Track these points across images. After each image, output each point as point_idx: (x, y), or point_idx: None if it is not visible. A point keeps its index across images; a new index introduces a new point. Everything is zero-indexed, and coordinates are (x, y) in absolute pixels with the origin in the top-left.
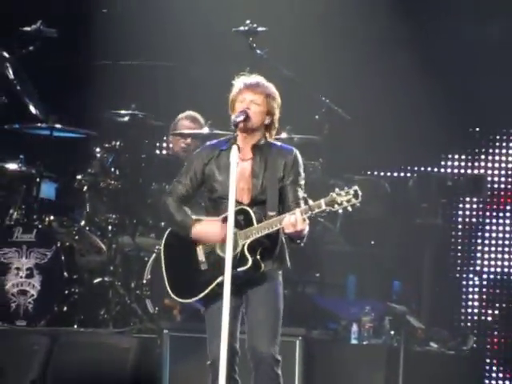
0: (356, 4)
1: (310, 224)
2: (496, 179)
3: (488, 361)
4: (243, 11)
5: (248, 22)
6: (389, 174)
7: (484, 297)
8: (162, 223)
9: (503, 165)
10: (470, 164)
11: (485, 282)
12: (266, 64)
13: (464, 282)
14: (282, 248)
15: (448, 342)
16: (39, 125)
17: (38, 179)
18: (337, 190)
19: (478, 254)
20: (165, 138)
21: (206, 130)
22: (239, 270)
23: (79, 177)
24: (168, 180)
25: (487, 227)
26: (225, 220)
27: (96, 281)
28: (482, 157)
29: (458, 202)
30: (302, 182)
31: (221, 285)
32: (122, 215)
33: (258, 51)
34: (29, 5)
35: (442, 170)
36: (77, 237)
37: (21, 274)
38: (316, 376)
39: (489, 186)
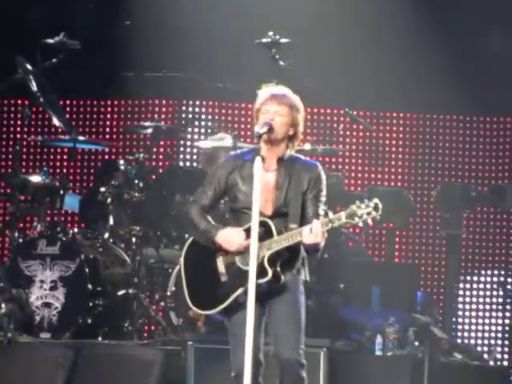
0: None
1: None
2: None
3: None
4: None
5: (271, 33)
6: (412, 184)
7: (508, 307)
8: (186, 235)
9: None
10: (493, 174)
11: (509, 293)
12: (289, 75)
13: (488, 293)
14: (303, 260)
15: (472, 353)
16: (63, 137)
17: (61, 191)
18: (357, 202)
19: (503, 265)
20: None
21: (229, 142)
22: (259, 281)
23: (103, 189)
24: (192, 192)
25: (511, 238)
26: (247, 231)
27: (120, 293)
28: (506, 167)
29: (481, 213)
30: (324, 199)
31: (240, 297)
32: (145, 227)
33: (281, 62)
34: (52, 17)
35: (466, 181)
36: (101, 249)
37: (45, 286)
38: None
39: None
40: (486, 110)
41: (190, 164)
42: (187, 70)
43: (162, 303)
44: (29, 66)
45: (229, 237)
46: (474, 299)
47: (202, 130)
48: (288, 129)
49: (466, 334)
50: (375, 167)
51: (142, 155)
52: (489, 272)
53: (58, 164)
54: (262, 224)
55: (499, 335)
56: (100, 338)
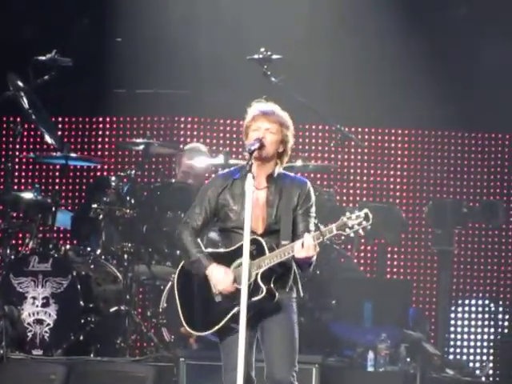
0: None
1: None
2: None
3: None
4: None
5: (262, 49)
6: (404, 200)
7: (500, 323)
8: (178, 251)
9: None
10: (485, 191)
11: (500, 309)
12: (280, 91)
13: (480, 309)
14: (295, 276)
15: (464, 369)
16: (54, 154)
17: (53, 208)
18: (347, 213)
19: (494, 281)
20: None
21: (221, 159)
22: (254, 299)
23: (95, 205)
24: (183, 208)
25: (503, 254)
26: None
27: (112, 309)
28: (498, 183)
29: (473, 229)
30: (314, 214)
31: (235, 316)
32: (137, 244)
33: (273, 79)
34: (44, 34)
35: (458, 197)
36: (93, 266)
37: (37, 303)
38: None
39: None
40: (478, 126)
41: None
42: (178, 86)
43: (154, 320)
44: (20, 83)
45: (217, 277)
46: (466, 315)
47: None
48: (278, 146)
49: (458, 350)
50: (367, 183)
51: (133, 172)
52: (481, 288)
53: (50, 181)
54: (254, 242)
55: (491, 351)
56: (92, 355)
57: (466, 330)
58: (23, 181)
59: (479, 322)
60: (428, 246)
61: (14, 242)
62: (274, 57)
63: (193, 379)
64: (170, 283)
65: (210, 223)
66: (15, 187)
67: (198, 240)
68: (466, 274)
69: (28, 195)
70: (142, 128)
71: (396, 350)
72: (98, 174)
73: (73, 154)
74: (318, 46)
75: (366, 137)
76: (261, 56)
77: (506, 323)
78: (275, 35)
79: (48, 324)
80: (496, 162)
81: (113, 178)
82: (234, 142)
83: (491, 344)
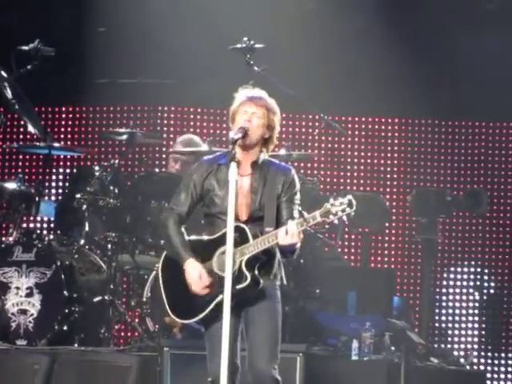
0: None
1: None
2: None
3: (489, 376)
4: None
5: (245, 39)
6: (388, 189)
7: (484, 311)
8: (162, 241)
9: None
10: (469, 179)
11: (485, 297)
12: (264, 80)
13: (464, 297)
14: (279, 263)
15: (448, 358)
16: (38, 144)
17: (37, 198)
18: (331, 200)
19: (478, 270)
20: (163, 155)
21: (205, 148)
22: (238, 287)
23: (78, 195)
24: (167, 198)
25: (487, 242)
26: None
27: (96, 299)
28: (482, 171)
29: (457, 218)
30: (298, 202)
31: (220, 304)
32: (121, 233)
33: (256, 68)
34: (27, 24)
35: (441, 185)
36: (76, 255)
37: (21, 293)
38: None
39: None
40: (461, 114)
41: (166, 170)
42: (161, 76)
43: (138, 309)
44: (3, 73)
45: (191, 278)
46: (450, 304)
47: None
48: (264, 131)
49: (442, 339)
50: (350, 172)
51: (117, 161)
52: (465, 276)
53: (33, 171)
54: (237, 229)
55: (475, 340)
56: (76, 345)
57: (450, 318)
58: (6, 171)
59: (463, 311)
60: (412, 235)
61: None
62: (257, 46)
63: (177, 369)
64: (153, 273)
65: (195, 209)
66: None
67: (182, 228)
68: (450, 262)
69: (11, 185)
70: (125, 118)
71: (380, 339)
72: (82, 163)
73: (56, 144)
74: (301, 35)
75: (350, 125)
76: (244, 45)
77: (491, 311)
78: (258, 24)
79: (32, 314)
80: (480, 151)
81: (96, 168)
82: (218, 131)
83: (476, 332)
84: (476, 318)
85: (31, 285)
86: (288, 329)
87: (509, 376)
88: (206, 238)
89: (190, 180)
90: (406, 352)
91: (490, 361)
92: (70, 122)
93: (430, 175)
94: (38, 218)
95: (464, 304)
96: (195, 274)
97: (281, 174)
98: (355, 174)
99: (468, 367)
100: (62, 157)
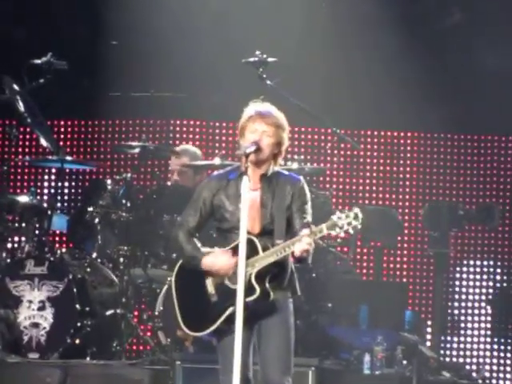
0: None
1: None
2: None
3: None
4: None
5: (258, 52)
6: (400, 203)
7: (496, 325)
8: (174, 255)
9: None
10: (481, 193)
11: (497, 311)
12: (276, 94)
13: (476, 311)
14: (292, 276)
15: (460, 371)
16: (50, 157)
17: (49, 212)
18: (338, 213)
19: (490, 283)
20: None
21: (217, 161)
22: (248, 299)
23: (90, 209)
24: (179, 211)
25: (499, 256)
26: (234, 252)
27: (108, 313)
28: (494, 185)
29: (469, 231)
30: (309, 211)
31: (231, 317)
32: (133, 247)
33: (269, 81)
34: (39, 37)
35: (454, 199)
36: (89, 269)
37: (33, 306)
38: None
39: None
40: (474, 128)
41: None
42: (174, 89)
43: (150, 323)
44: (16, 87)
45: (214, 261)
46: (462, 317)
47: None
48: (274, 148)
49: (454, 353)
50: (363, 186)
51: (129, 175)
52: (477, 291)
53: (45, 184)
54: (247, 242)
55: (487, 353)
56: (88, 358)
57: (462, 332)
58: (19, 184)
59: (475, 325)
60: (424, 249)
61: (9, 245)
62: (270, 60)
63: (189, 382)
64: (166, 286)
65: (206, 224)
66: (11, 191)
67: (194, 239)
68: (462, 276)
69: (24, 199)
70: (137, 131)
71: (392, 353)
72: (94, 177)
73: (68, 158)
74: (314, 49)
75: (362, 139)
76: (256, 59)
77: (503, 325)
78: (271, 38)
79: (44, 327)
80: (492, 165)
81: (108, 181)
82: (230, 145)
83: (488, 346)
84: (488, 332)
85: (43, 298)
86: (300, 342)
87: None
88: (219, 250)
89: (200, 196)
90: (417, 366)
91: (502, 375)
92: (82, 136)
93: (442, 189)
94: (51, 232)
95: (476, 318)
96: (215, 258)
97: (289, 185)
98: (368, 187)
99: (480, 381)
100: (74, 170)
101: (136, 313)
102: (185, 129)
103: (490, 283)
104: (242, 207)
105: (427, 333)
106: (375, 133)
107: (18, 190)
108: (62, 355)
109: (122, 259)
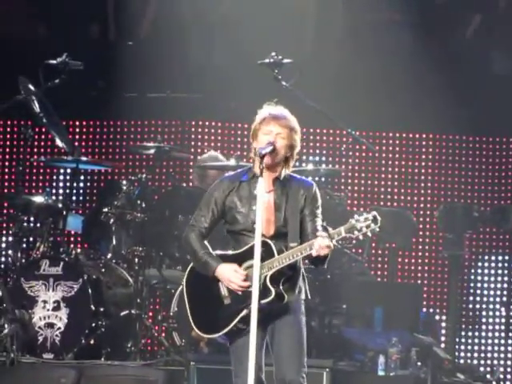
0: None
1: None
2: None
3: None
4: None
5: (273, 54)
6: (415, 204)
7: (511, 327)
8: (188, 256)
9: None
10: (496, 195)
11: (511, 313)
12: (291, 96)
13: (491, 313)
14: (303, 278)
15: (475, 373)
16: (65, 158)
17: (64, 212)
18: (356, 216)
19: (505, 285)
20: (191, 170)
21: (232, 162)
22: (262, 302)
23: (105, 209)
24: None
25: None
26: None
27: (123, 313)
28: (509, 187)
29: (484, 233)
30: (320, 216)
31: (244, 319)
32: (148, 248)
33: (284, 83)
34: (55, 38)
35: (469, 201)
36: (103, 269)
37: (48, 306)
38: None
39: None
40: (489, 130)
41: (193, 184)
42: (189, 90)
43: (165, 324)
44: (31, 87)
45: (228, 276)
46: (477, 319)
47: (205, 151)
48: (287, 151)
49: (468, 355)
50: (378, 187)
51: (144, 176)
52: (491, 292)
53: (60, 185)
54: (263, 244)
55: (502, 355)
56: (103, 359)
57: (476, 334)
58: (34, 185)
59: (490, 327)
60: (439, 250)
61: (24, 245)
62: (285, 61)
63: (203, 383)
64: (180, 287)
65: (216, 226)
66: (26, 191)
67: (205, 242)
68: (477, 278)
69: (39, 199)
70: (153, 132)
71: (407, 355)
72: (109, 177)
73: (84, 158)
74: (330, 50)
75: (377, 141)
76: (272, 60)
77: None
78: (286, 39)
79: (59, 328)
80: (507, 167)
81: (124, 182)
82: (245, 146)
83: (502, 348)
84: (503, 334)
85: (58, 298)
86: (314, 344)
87: None
88: (231, 252)
89: (211, 197)
90: (432, 367)
91: None
92: (97, 136)
93: (457, 191)
94: (66, 232)
95: (491, 320)
96: (230, 272)
97: (303, 189)
98: (382, 189)
99: (494, 383)
100: (89, 171)
101: (150, 313)
102: (200, 130)
103: (505, 285)
104: (257, 209)
105: (442, 334)
106: (390, 134)
107: (33, 191)
108: (76, 356)
109: (136, 260)
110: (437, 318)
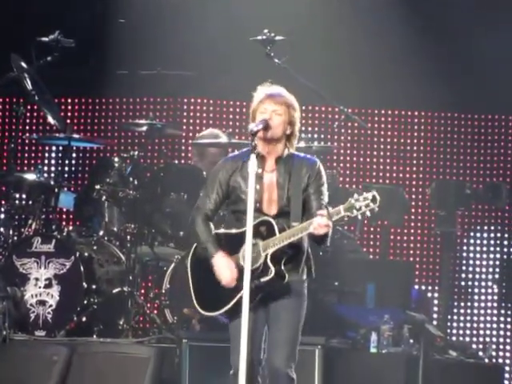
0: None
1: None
2: None
3: (508, 369)
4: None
5: (266, 31)
6: (407, 182)
7: (503, 304)
8: (181, 232)
9: None
10: (488, 172)
11: (504, 291)
12: (284, 73)
13: (483, 290)
14: (308, 258)
15: (467, 350)
16: (57, 135)
17: (56, 189)
18: (355, 195)
19: (497, 262)
20: (183, 147)
21: (224, 139)
22: (262, 280)
23: (98, 187)
24: (186, 189)
25: (506, 235)
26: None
27: (115, 291)
28: (501, 165)
29: (476, 211)
30: (326, 192)
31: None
32: (140, 225)
33: (276, 60)
34: (47, 15)
35: (461, 178)
36: (95, 247)
37: (40, 284)
38: None
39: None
40: (482, 108)
41: (185, 162)
42: (181, 67)
43: (157, 301)
44: (23, 64)
45: (220, 270)
46: (469, 296)
47: (197, 128)
48: (285, 127)
49: (460, 332)
50: (370, 165)
51: (136, 153)
52: (483, 270)
53: (52, 162)
54: (265, 223)
55: (494, 332)
56: (95, 336)
57: (468, 311)
58: (26, 162)
59: (482, 304)
60: (431, 228)
61: (16, 223)
62: (277, 38)
63: (195, 360)
64: (172, 264)
65: (222, 206)
66: (18, 168)
67: (211, 225)
68: (469, 255)
69: (31, 176)
70: (144, 109)
71: (399, 332)
72: (101, 155)
73: (75, 135)
74: (322, 28)
75: (370, 118)
76: (264, 37)
77: (510, 304)
78: (278, 16)
79: (51, 305)
80: (500, 144)
81: (116, 159)
82: (237, 123)
83: (494, 326)
84: (495, 311)
85: (50, 276)
86: (307, 321)
87: None
88: (234, 231)
89: (216, 178)
90: (424, 345)
91: (508, 354)
92: (89, 114)
93: (449, 168)
94: (58, 210)
95: (483, 297)
96: (224, 267)
97: (306, 167)
98: (374, 166)
99: (487, 360)
100: (81, 148)
101: (143, 291)
102: (192, 107)
103: (497, 262)
104: (249, 186)
105: (434, 312)
106: (382, 112)
107: (25, 168)
108: (68, 333)
109: (128, 237)
110: (429, 295)
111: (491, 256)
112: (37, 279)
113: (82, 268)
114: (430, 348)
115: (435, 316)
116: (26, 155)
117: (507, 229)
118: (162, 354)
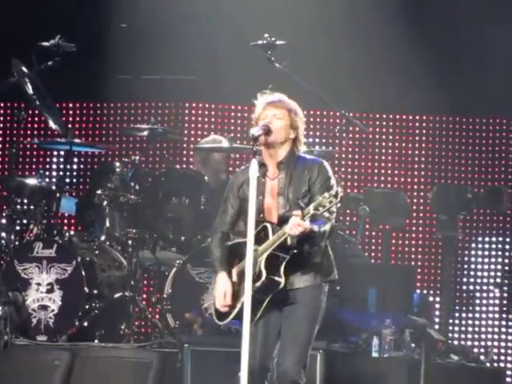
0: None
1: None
2: None
3: (509, 373)
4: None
5: (266, 35)
6: (409, 186)
7: (505, 309)
8: (182, 237)
9: None
10: (490, 176)
11: (505, 295)
12: (285, 77)
13: (484, 295)
14: (323, 260)
15: (469, 354)
16: (59, 140)
17: (57, 194)
18: (325, 194)
19: (499, 267)
20: (184, 152)
21: (225, 144)
22: (256, 285)
23: (99, 191)
24: (188, 194)
25: (507, 239)
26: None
27: (117, 295)
28: (502, 168)
29: (478, 215)
30: (334, 183)
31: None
32: (142, 230)
33: (277, 64)
34: (48, 20)
35: (462, 183)
36: (97, 252)
37: (41, 289)
38: None
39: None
40: (484, 110)
41: (187, 166)
42: (182, 72)
43: (159, 306)
44: (24, 69)
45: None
46: (471, 301)
47: (199, 132)
48: (288, 131)
49: (462, 336)
50: (371, 169)
51: (138, 158)
52: (485, 274)
53: (54, 167)
54: (263, 228)
55: (495, 336)
56: (96, 341)
57: (470, 315)
58: (27, 167)
59: (483, 308)
60: (432, 232)
61: (18, 228)
62: (278, 42)
63: (197, 365)
64: (174, 269)
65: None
66: (19, 173)
67: (224, 244)
68: (471, 259)
69: (32, 181)
70: (146, 114)
71: (400, 336)
72: (103, 159)
73: (77, 140)
74: (323, 32)
75: (371, 122)
76: (265, 42)
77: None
78: (279, 21)
79: (52, 310)
80: (501, 148)
81: (117, 164)
82: (239, 128)
83: (496, 330)
84: (496, 316)
85: (52, 281)
86: None
87: None
88: (242, 240)
89: (228, 194)
90: (426, 349)
91: (510, 358)
92: (91, 118)
93: (450, 172)
94: (59, 214)
95: (484, 301)
96: (221, 291)
97: (306, 170)
98: (376, 170)
99: (488, 364)
100: (82, 153)
101: (144, 295)
102: (194, 111)
103: (499, 266)
104: (250, 193)
105: (435, 316)
106: (384, 116)
107: (27, 173)
108: (70, 338)
109: (130, 242)
110: (430, 299)
111: (493, 260)
112: (38, 284)
113: (83, 273)
114: (431, 352)
115: (437, 320)
116: (28, 160)
117: (509, 233)
118: (163, 358)
